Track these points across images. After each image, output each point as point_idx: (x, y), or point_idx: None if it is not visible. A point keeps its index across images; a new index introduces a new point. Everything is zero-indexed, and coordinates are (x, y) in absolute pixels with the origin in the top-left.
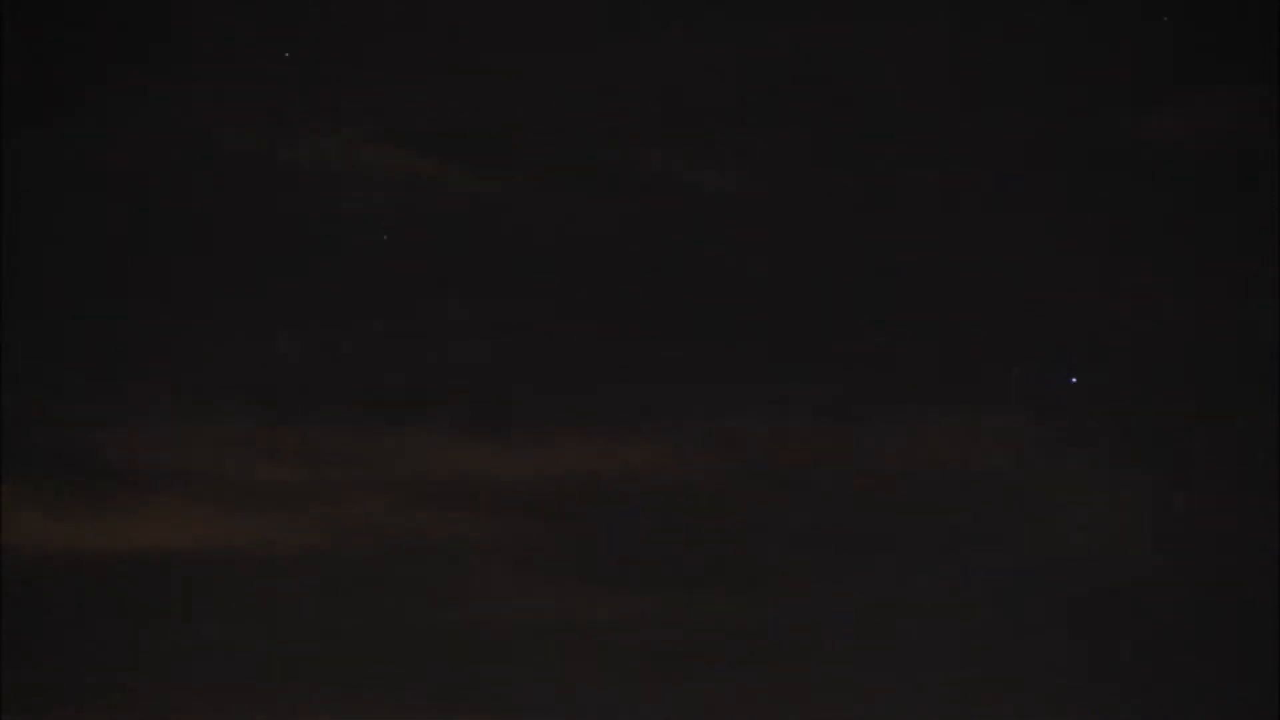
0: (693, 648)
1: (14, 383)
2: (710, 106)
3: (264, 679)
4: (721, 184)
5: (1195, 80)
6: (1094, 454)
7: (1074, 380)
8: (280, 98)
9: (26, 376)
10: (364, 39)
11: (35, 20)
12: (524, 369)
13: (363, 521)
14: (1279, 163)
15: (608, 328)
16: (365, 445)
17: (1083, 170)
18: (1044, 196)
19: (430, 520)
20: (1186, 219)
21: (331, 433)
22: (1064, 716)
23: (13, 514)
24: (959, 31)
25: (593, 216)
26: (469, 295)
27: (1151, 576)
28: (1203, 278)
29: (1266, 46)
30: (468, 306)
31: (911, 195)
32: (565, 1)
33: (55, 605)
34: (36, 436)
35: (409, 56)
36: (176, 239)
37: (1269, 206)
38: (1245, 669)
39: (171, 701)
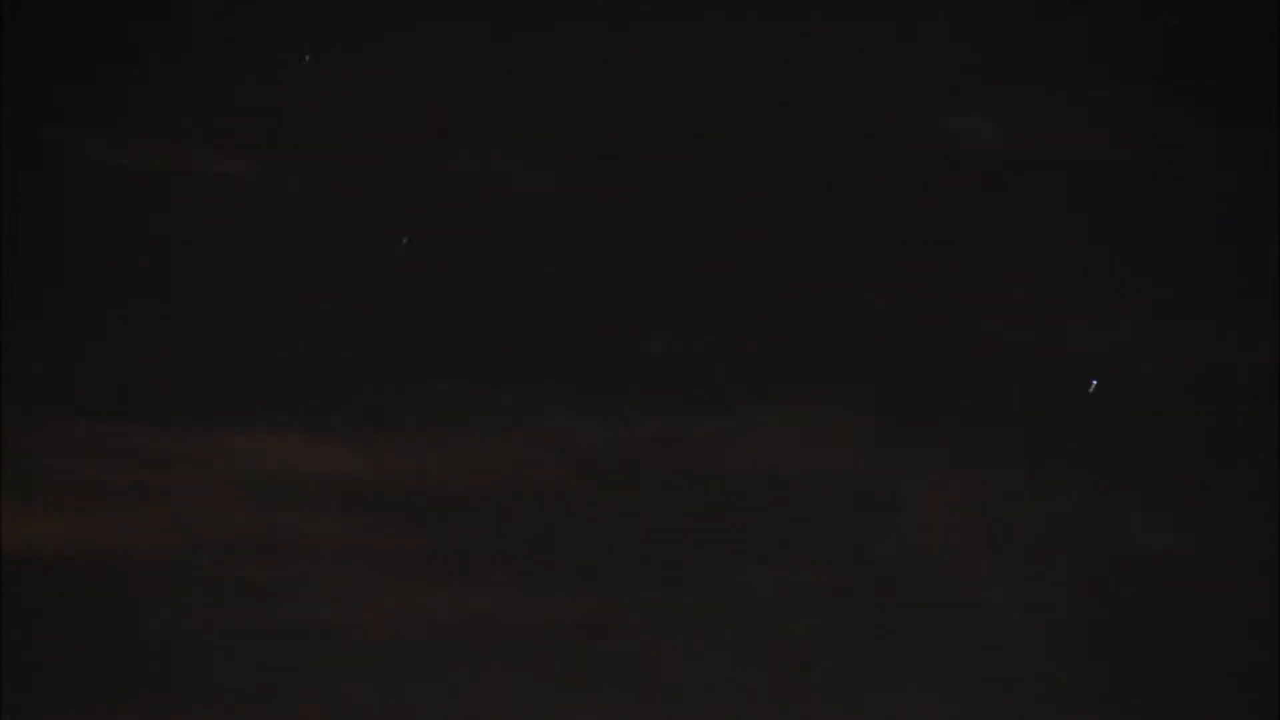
0: (543, 646)
1: None
2: (524, 104)
3: (112, 684)
4: (538, 183)
5: (1007, 79)
6: (934, 454)
7: (1094, 383)
8: (109, 100)
9: None
10: (188, 42)
11: None
12: (361, 369)
13: (208, 522)
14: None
15: (441, 328)
16: (206, 446)
17: (915, 171)
18: (878, 196)
19: (276, 521)
20: (1009, 222)
21: (171, 434)
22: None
23: None
24: (791, 30)
25: (423, 217)
26: (305, 296)
27: (993, 577)
28: (1031, 281)
29: (1073, 46)
30: (303, 307)
31: (743, 194)
32: (385, 2)
33: None
34: None
35: (233, 59)
36: (5, 241)
37: (1087, 210)
38: (1089, 671)
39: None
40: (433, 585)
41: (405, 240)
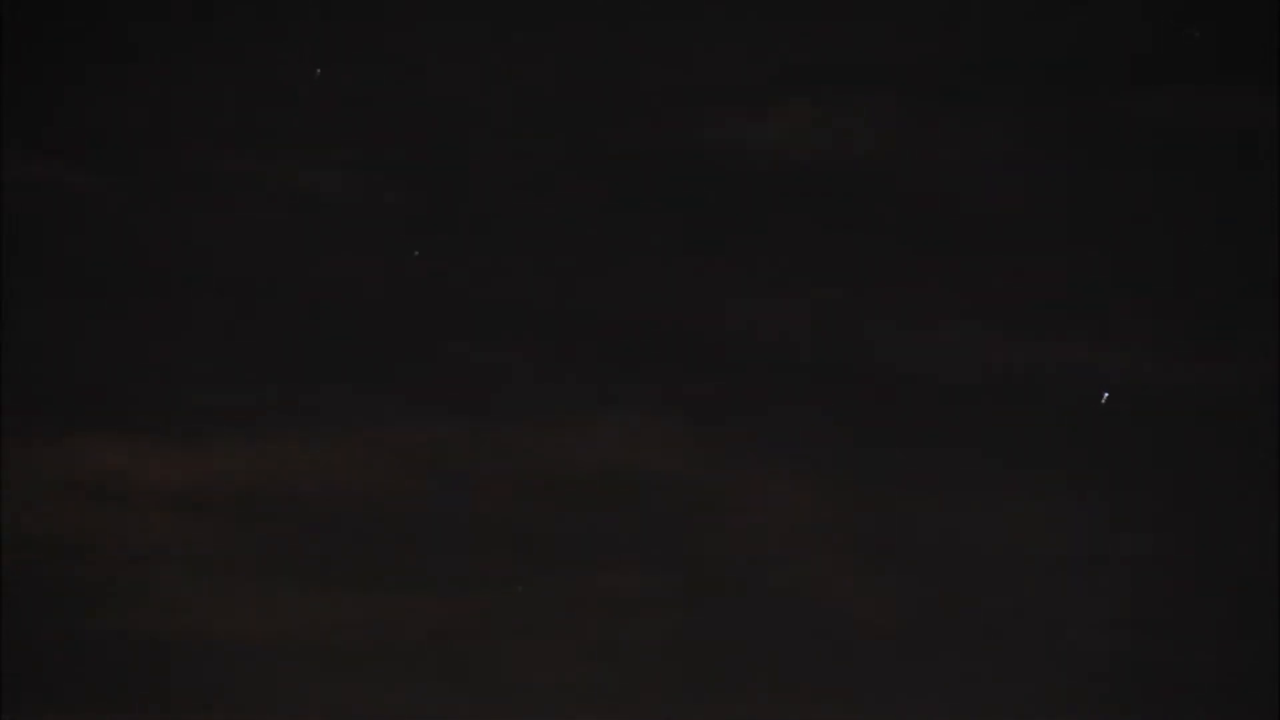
0: (383, 650)
1: None
2: (333, 116)
3: None
4: (347, 192)
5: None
6: (757, 456)
7: (1106, 395)
8: None
9: None
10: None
11: None
12: (187, 373)
13: (31, 525)
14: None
15: (268, 333)
16: (29, 451)
17: (707, 178)
18: (676, 203)
19: (100, 524)
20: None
21: None
22: (730, 709)
23: None
24: (582, 38)
25: (242, 222)
26: (130, 303)
27: (834, 575)
28: (837, 284)
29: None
30: (128, 311)
31: (546, 201)
32: (205, 6)
33: None
34: None
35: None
36: None
37: (875, 213)
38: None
39: None
40: (273, 589)
41: (416, 253)
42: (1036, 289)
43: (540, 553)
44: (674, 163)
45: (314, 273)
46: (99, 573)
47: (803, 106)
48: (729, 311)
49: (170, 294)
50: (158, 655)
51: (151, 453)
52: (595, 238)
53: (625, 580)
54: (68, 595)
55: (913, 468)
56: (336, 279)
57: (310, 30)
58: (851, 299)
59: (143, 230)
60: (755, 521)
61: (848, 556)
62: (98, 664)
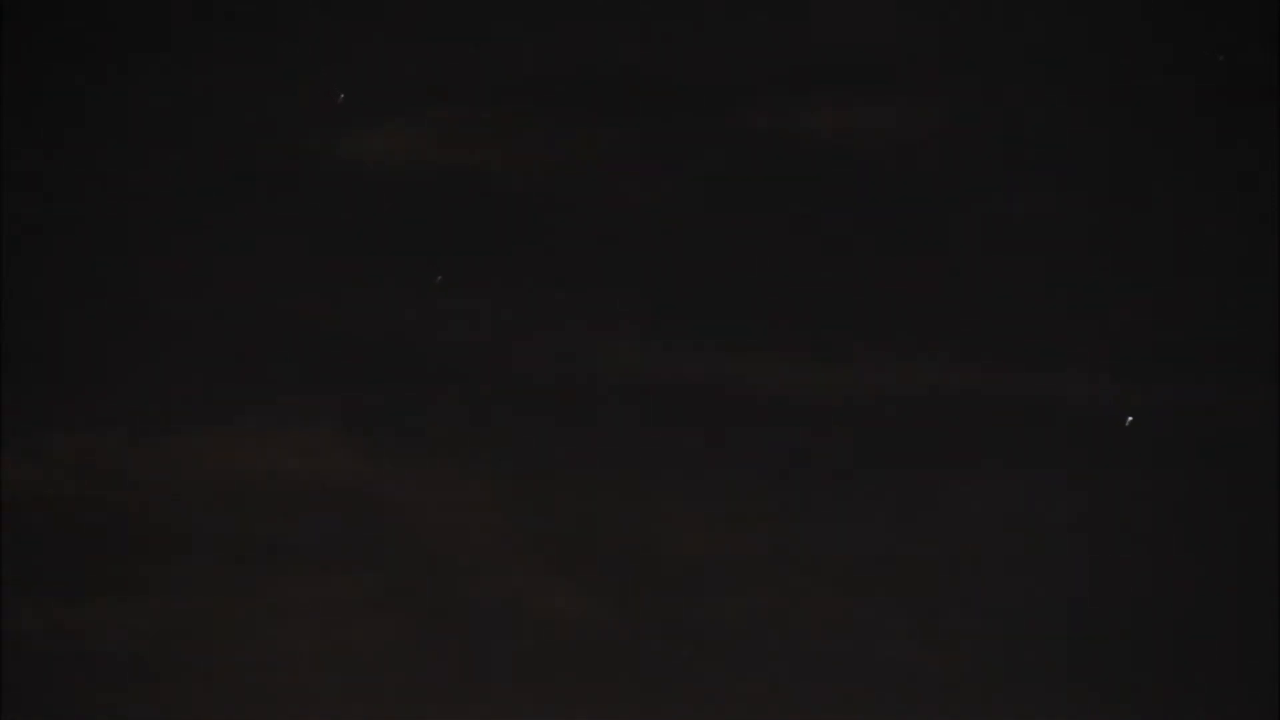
0: (84, 656)
1: None
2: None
3: None
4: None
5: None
6: (429, 460)
7: (1130, 419)
8: None
9: None
10: None
11: None
12: None
13: None
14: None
15: None
16: None
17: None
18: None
19: None
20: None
21: None
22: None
23: None
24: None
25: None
26: None
27: (523, 580)
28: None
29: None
30: None
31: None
32: None
33: None
34: None
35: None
36: None
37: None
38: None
39: None
40: None
41: (439, 279)
42: (690, 298)
43: (229, 560)
44: (312, 178)
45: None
46: None
47: (435, 120)
48: (404, 321)
49: None
50: None
51: None
52: (265, 247)
53: (322, 587)
54: None
55: (599, 474)
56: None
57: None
58: (521, 307)
59: None
60: (441, 528)
61: (539, 561)
62: None
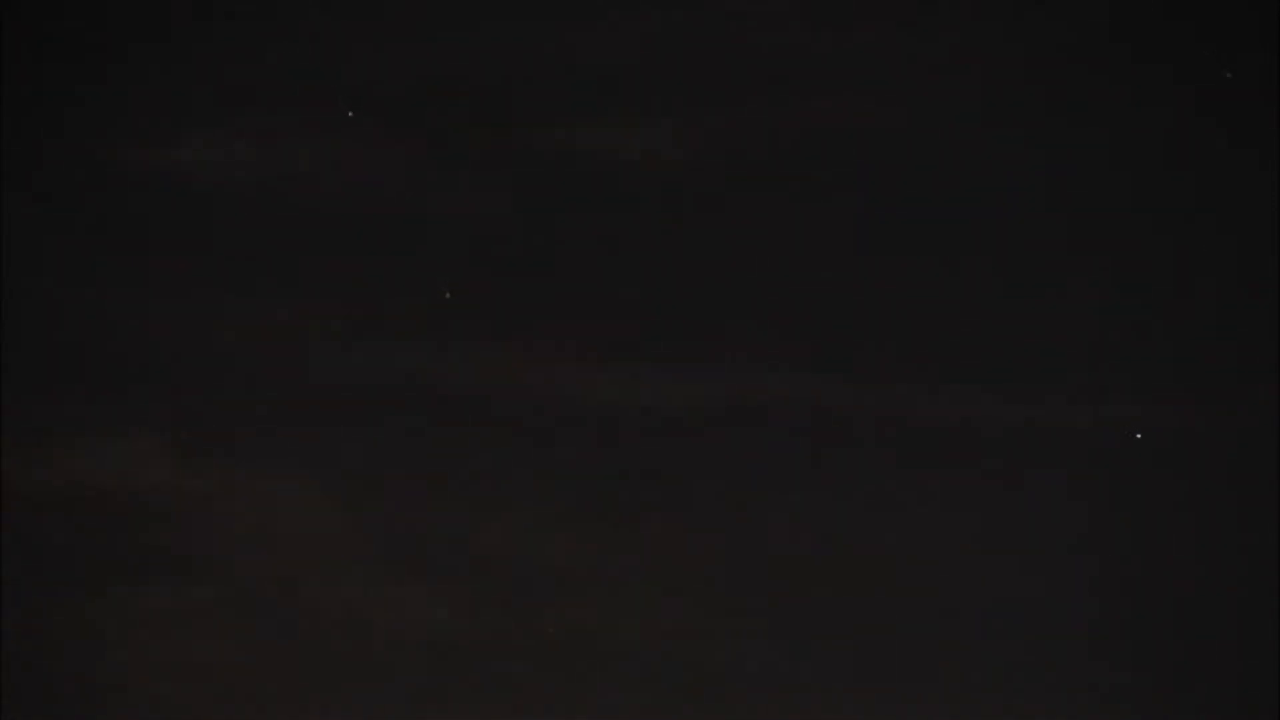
0: None
1: None
2: None
3: None
4: None
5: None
6: (258, 468)
7: (1139, 436)
8: None
9: None
10: None
11: None
12: None
13: None
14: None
15: None
16: None
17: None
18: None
19: None
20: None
21: None
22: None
23: None
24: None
25: None
26: None
27: (364, 590)
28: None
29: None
30: None
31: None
32: None
33: None
34: None
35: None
36: None
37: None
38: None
39: None
40: None
41: (448, 294)
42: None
43: (61, 571)
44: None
45: None
46: None
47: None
48: (218, 332)
49: None
50: None
51: None
52: (75, 258)
53: (162, 598)
54: None
55: (433, 485)
56: None
57: None
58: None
59: None
60: (274, 538)
61: (377, 571)
62: None
